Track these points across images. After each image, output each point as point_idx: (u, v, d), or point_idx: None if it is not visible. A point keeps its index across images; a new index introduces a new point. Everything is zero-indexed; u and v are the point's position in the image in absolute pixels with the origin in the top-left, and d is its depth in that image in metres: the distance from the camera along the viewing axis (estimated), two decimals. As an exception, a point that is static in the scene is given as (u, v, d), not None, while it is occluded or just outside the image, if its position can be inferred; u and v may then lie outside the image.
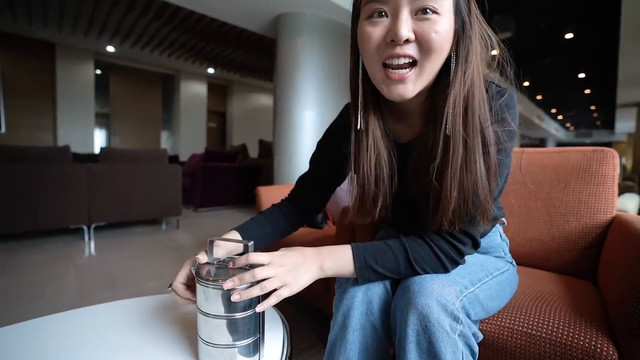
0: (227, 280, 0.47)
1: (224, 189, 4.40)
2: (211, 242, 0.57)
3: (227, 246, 0.61)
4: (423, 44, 0.47)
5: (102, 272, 2.10)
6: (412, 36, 0.47)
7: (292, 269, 0.51)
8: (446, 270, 0.55)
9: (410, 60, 0.49)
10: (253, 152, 6.28)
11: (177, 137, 7.95)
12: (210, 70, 7.95)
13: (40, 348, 0.54)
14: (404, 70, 0.49)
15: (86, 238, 2.78)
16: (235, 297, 0.47)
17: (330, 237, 1.29)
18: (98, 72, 7.01)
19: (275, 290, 0.50)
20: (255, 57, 6.75)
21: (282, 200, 0.79)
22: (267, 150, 4.83)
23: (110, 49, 6.53)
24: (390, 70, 0.50)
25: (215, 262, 0.56)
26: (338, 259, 0.54)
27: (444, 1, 0.47)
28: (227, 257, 0.57)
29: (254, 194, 4.83)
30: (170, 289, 0.58)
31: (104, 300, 1.71)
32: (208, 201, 4.29)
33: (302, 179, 0.79)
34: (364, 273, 0.54)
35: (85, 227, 2.78)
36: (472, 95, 0.49)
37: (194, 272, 0.53)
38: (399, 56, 0.48)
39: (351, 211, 0.66)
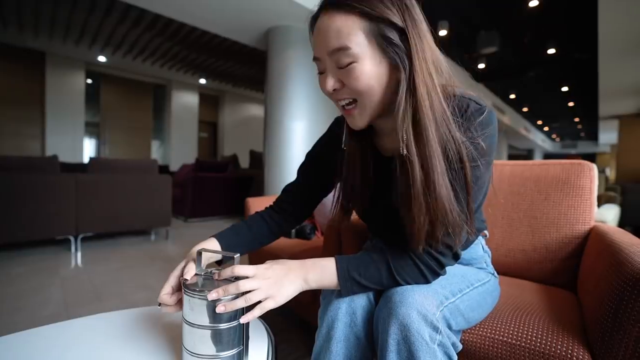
0: (212, 291, 0.48)
1: (215, 199, 4.38)
2: (199, 254, 0.57)
3: (209, 254, 0.62)
4: (350, 88, 0.54)
5: (88, 283, 2.06)
6: (337, 86, 0.55)
7: (277, 281, 0.52)
8: (427, 281, 0.57)
9: (351, 99, 0.56)
10: (244, 162, 6.29)
11: (168, 146, 7.91)
12: (202, 81, 7.98)
13: (22, 362, 0.54)
14: (349, 107, 0.57)
15: (73, 249, 2.73)
16: (220, 309, 0.48)
17: (318, 248, 1.30)
18: (89, 81, 6.98)
19: (260, 302, 0.51)
20: (247, 68, 6.82)
21: (266, 208, 0.79)
22: (258, 160, 4.84)
23: (102, 58, 6.52)
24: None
25: (203, 273, 0.56)
26: (322, 271, 0.56)
27: (356, 51, 0.50)
28: (214, 269, 0.58)
29: (243, 204, 4.80)
30: (159, 307, 0.58)
31: (89, 313, 1.69)
32: (198, 211, 4.26)
33: (289, 187, 0.80)
34: (347, 285, 0.56)
35: (72, 238, 2.73)
36: (421, 117, 0.51)
37: (181, 282, 0.53)
38: (338, 100, 0.57)
39: (331, 214, 0.72)
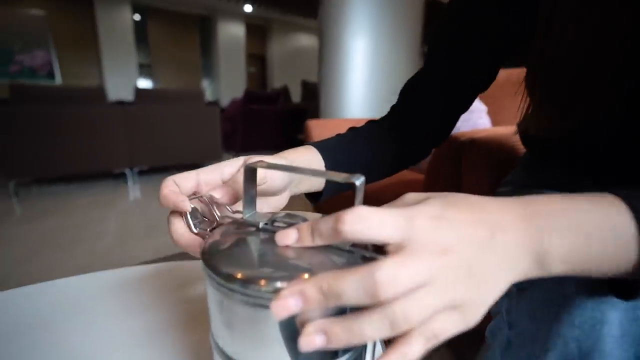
0: (282, 294, 0.15)
1: (266, 133, 4.16)
2: (252, 171, 0.24)
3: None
4: None
5: (143, 217, 1.99)
6: None
7: (470, 263, 0.17)
8: None
9: None
10: (295, 97, 5.91)
11: (218, 84, 7.77)
12: (248, 8, 7.38)
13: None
14: None
15: (130, 182, 2.72)
16: (313, 342, 0.15)
17: (413, 182, 0.94)
18: (137, 17, 6.76)
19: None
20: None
21: (382, 118, 0.45)
22: (311, 92, 4.43)
23: (145, -12, 6.19)
24: None
25: (259, 222, 0.23)
26: (590, 230, 0.19)
27: None
28: (288, 213, 0.24)
29: (297, 139, 4.52)
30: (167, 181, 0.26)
31: (141, 248, 1.62)
32: (249, 146, 4.11)
33: (414, 86, 0.43)
34: None
35: (128, 172, 2.71)
36: None
37: (200, 251, 0.21)
38: None
39: (523, 116, 0.38)
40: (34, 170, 2.31)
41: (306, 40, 8.63)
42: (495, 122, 1.09)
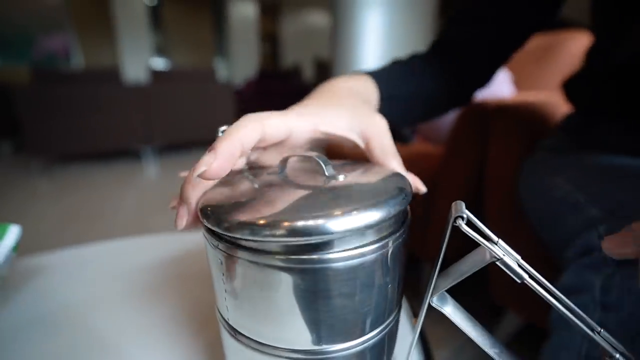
0: None
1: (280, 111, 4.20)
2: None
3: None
4: None
5: (160, 194, 2.02)
6: None
7: None
8: None
9: None
10: (307, 75, 5.79)
11: (230, 63, 7.73)
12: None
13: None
14: None
15: (146, 161, 2.76)
16: None
17: (424, 156, 0.90)
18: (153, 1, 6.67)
19: None
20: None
21: (424, 52, 0.41)
22: (325, 70, 4.33)
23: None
24: None
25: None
26: None
27: None
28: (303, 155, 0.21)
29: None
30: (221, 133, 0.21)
31: (160, 223, 1.65)
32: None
33: (466, 17, 0.40)
34: None
35: (145, 150, 2.77)
36: None
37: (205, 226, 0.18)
38: None
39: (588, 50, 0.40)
40: (57, 149, 2.39)
41: (319, 18, 8.39)
42: (519, 90, 1.02)
